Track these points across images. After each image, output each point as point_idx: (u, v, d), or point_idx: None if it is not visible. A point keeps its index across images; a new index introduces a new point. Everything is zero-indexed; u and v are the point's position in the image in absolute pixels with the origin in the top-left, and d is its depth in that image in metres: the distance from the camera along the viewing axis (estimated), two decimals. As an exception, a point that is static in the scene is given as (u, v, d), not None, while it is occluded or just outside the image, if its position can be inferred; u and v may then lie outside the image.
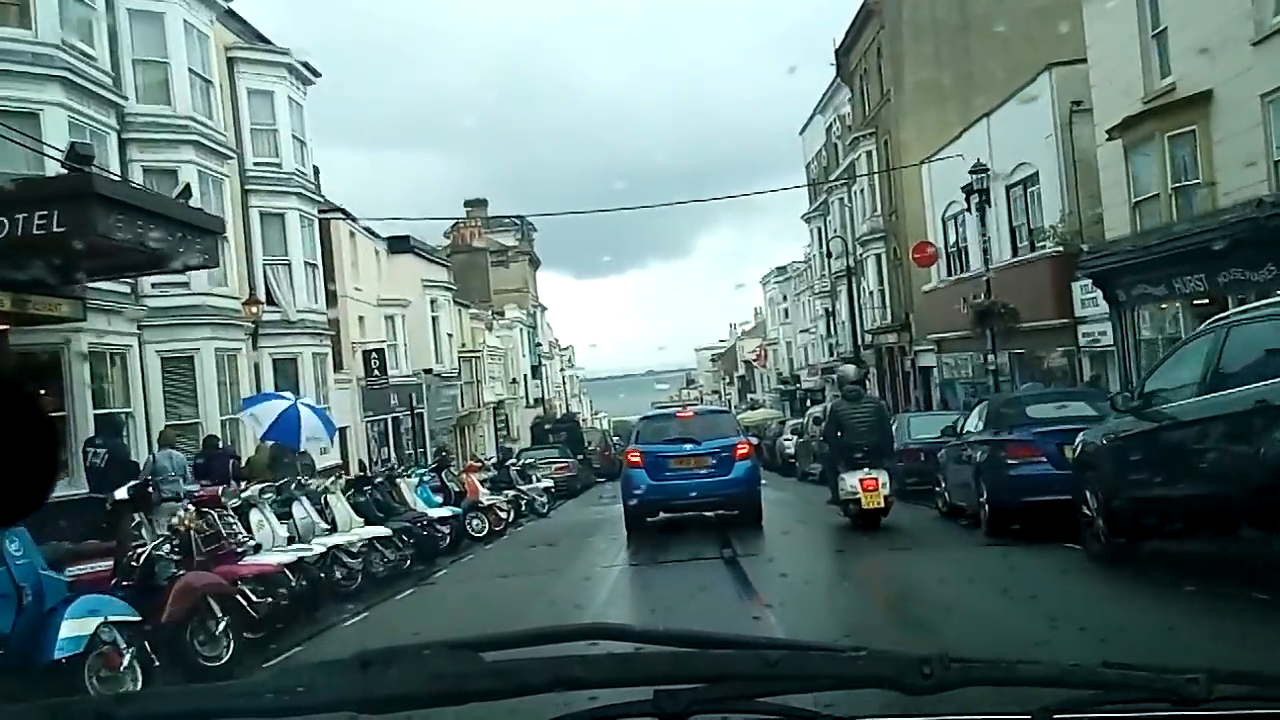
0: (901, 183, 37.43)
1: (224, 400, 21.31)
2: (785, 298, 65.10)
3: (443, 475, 17.97)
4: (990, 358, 22.45)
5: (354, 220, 31.93)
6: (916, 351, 37.47)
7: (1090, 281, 22.65)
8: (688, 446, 15.81)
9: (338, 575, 11.26)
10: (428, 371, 37.18)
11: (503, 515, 18.60)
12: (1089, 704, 1.42)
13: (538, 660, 1.41)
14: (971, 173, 23.62)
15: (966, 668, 1.40)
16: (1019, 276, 25.57)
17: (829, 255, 42.06)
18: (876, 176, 39.94)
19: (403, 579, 12.71)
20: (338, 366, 29.41)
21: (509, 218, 74.66)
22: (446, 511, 15.88)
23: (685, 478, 15.52)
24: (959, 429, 15.11)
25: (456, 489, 17.79)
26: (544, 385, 66.23)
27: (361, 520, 12.56)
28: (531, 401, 60.47)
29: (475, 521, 17.51)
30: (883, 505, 13.79)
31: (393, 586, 12.14)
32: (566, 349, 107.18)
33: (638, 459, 15.95)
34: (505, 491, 20.34)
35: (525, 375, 60.79)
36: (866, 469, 13.80)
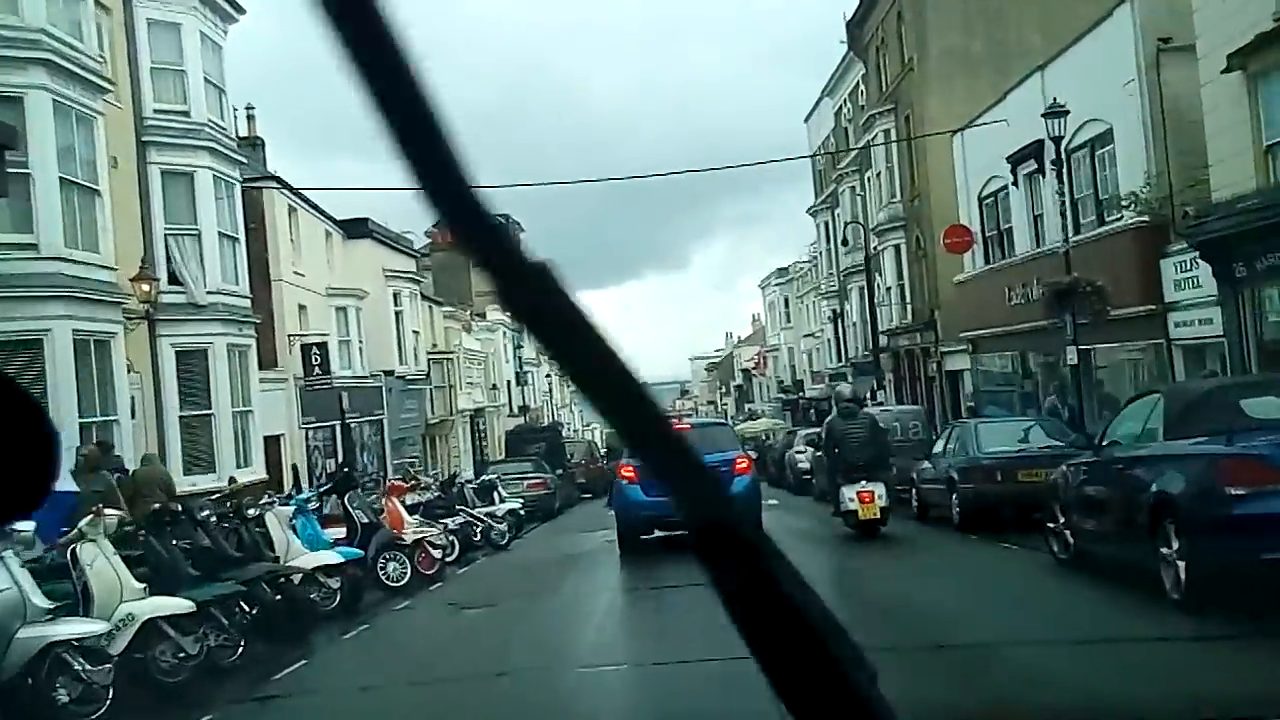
0: (926, 163, 32.43)
1: (90, 399, 16.20)
2: (787, 301, 59.89)
3: (346, 501, 12.71)
4: (1069, 353, 17.26)
5: (295, 193, 26.80)
6: (943, 354, 32.38)
7: (1193, 256, 17.63)
8: None
9: (63, 698, 6.13)
10: (389, 373, 32.01)
11: (438, 554, 13.40)
12: None
13: None
14: (1046, 116, 18.50)
15: None
16: (1088, 257, 20.43)
17: (844, 244, 36.75)
18: (896, 158, 34.94)
19: (220, 684, 7.47)
20: (270, 363, 24.27)
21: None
22: (334, 556, 10.63)
23: None
24: (1099, 436, 9.97)
25: (366, 520, 12.59)
26: (530, 393, 61.00)
27: (142, 587, 7.28)
28: (515, 410, 55.30)
29: (392, 566, 12.35)
30: (879, 515, 14.09)
31: (185, 708, 6.85)
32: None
33: (631, 473, 14.57)
34: (448, 520, 15.18)
35: (509, 382, 55.63)
36: (863, 482, 14.12)
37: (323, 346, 24.96)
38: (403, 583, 12.25)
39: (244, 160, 23.18)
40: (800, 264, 57.32)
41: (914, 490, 17.60)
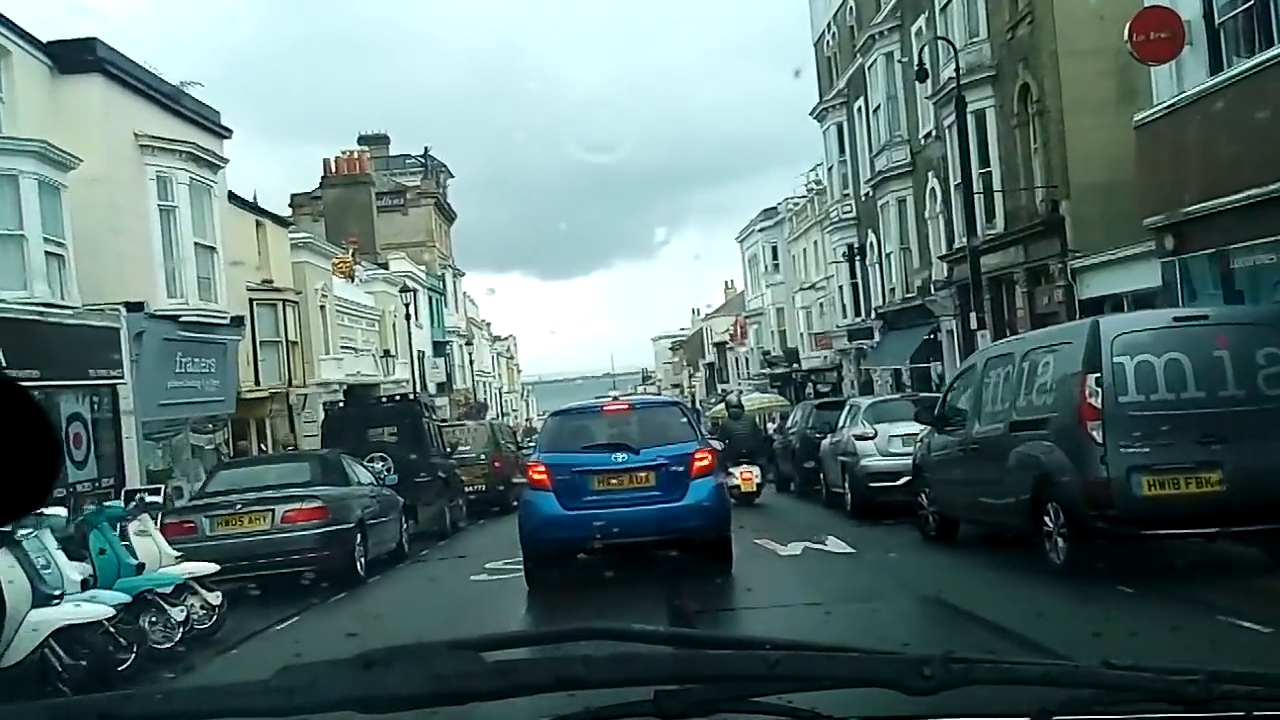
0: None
1: None
2: (775, 251, 45.96)
3: None
4: None
5: None
6: (1074, 271, 18.67)
7: None
8: (619, 456, 10.01)
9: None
10: (135, 306, 17.82)
11: None
12: (1089, 704, 1.30)
13: (539, 660, 1.32)
14: None
15: (967, 668, 1.27)
16: None
17: (920, 79, 22.22)
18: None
19: None
20: None
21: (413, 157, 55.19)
22: None
23: (615, 505, 9.77)
24: None
25: None
26: (453, 369, 46.67)
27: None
28: (434, 389, 40.97)
29: None
30: (755, 490, 16.79)
31: None
32: (506, 338, 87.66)
33: (543, 476, 10.08)
34: None
35: (422, 353, 41.28)
36: (745, 464, 16.78)
37: None
38: None
39: None
40: (794, 200, 43.36)
41: None
